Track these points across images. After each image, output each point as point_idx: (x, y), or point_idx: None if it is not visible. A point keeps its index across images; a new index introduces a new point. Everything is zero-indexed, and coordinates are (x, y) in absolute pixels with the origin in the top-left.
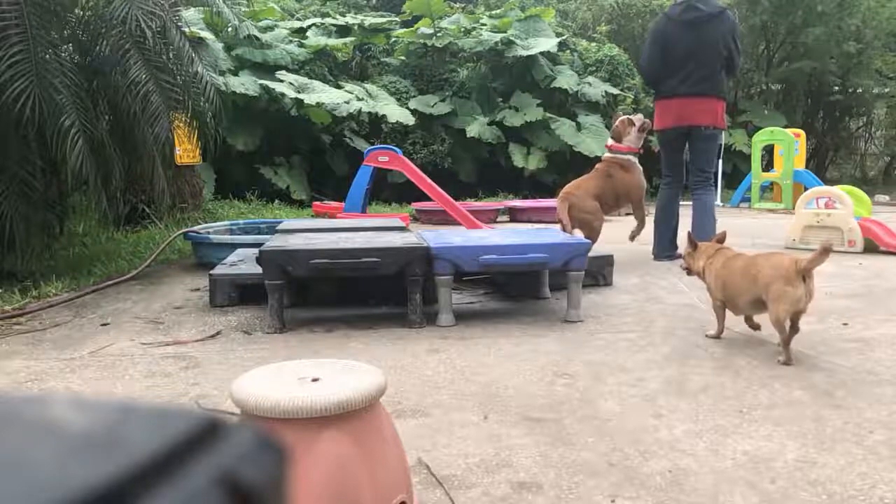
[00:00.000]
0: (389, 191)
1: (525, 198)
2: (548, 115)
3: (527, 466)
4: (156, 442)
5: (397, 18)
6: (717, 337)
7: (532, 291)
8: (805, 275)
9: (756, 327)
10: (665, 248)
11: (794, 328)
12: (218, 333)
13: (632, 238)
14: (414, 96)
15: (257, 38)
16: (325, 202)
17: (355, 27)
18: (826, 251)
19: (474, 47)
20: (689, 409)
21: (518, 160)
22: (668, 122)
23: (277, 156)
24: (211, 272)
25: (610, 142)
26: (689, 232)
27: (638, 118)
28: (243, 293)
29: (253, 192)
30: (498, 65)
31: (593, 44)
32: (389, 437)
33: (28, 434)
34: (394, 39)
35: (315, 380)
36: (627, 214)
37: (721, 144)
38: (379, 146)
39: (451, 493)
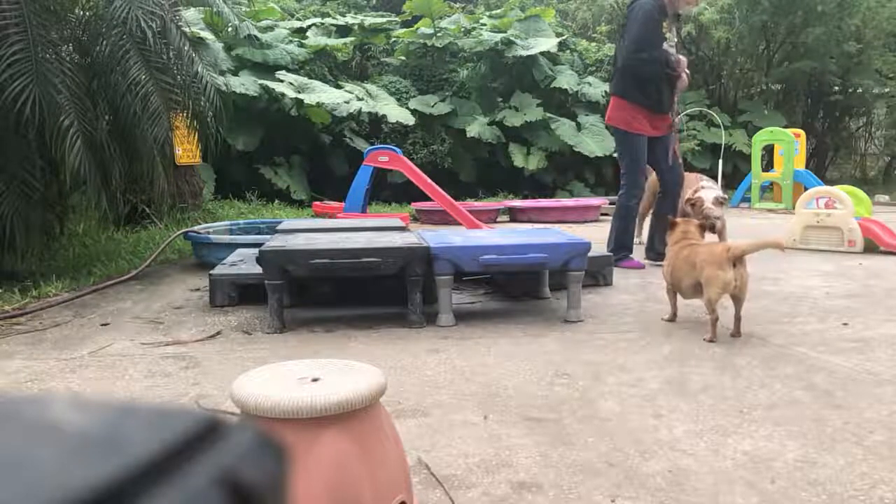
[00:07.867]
0: (389, 191)
1: (525, 198)
2: (548, 115)
3: (527, 466)
4: (156, 442)
5: (397, 18)
6: (671, 320)
7: (532, 291)
8: (735, 261)
9: (672, 318)
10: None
11: (738, 313)
12: (218, 333)
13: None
14: (414, 96)
15: (257, 38)
16: (325, 202)
17: (355, 27)
18: (773, 245)
19: (474, 47)
20: (689, 409)
21: (518, 160)
22: None
23: (277, 156)
24: (211, 272)
25: None
26: (667, 217)
27: None
28: (243, 293)
29: (253, 192)
30: (498, 65)
31: (593, 44)
32: (389, 436)
33: (28, 434)
34: (394, 39)
35: (315, 380)
36: None
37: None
38: (379, 146)
39: (451, 493)
